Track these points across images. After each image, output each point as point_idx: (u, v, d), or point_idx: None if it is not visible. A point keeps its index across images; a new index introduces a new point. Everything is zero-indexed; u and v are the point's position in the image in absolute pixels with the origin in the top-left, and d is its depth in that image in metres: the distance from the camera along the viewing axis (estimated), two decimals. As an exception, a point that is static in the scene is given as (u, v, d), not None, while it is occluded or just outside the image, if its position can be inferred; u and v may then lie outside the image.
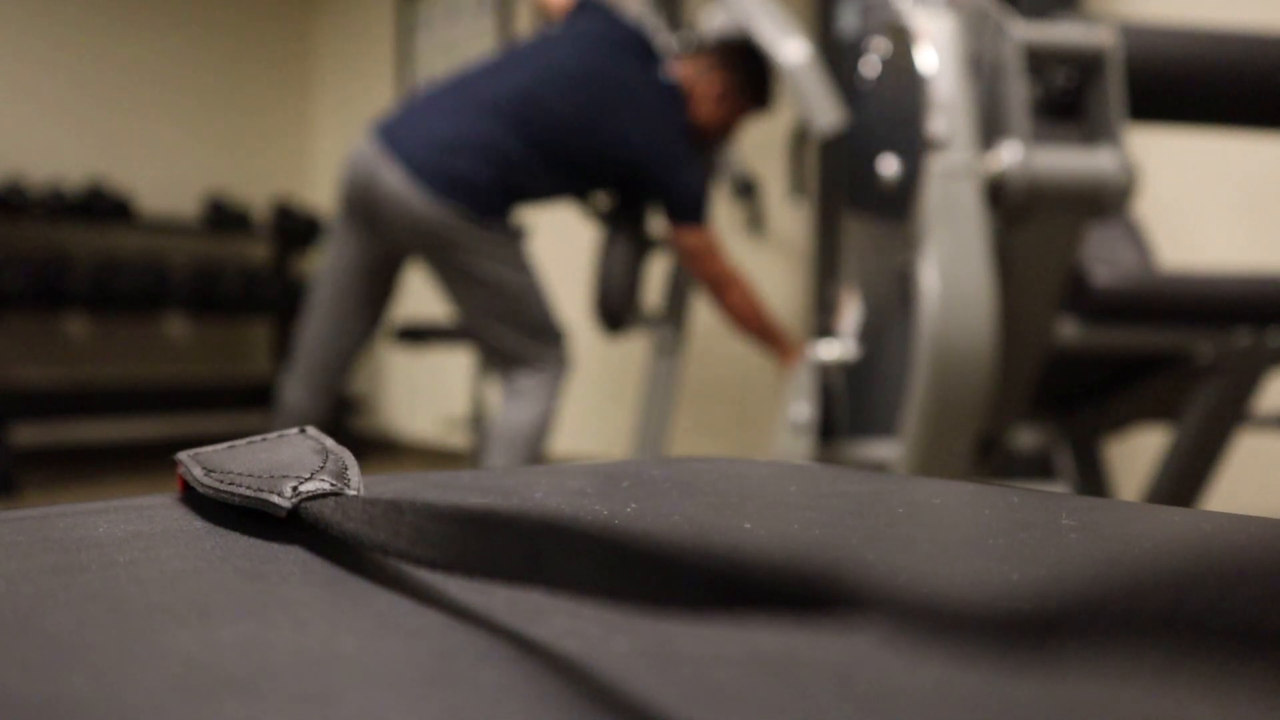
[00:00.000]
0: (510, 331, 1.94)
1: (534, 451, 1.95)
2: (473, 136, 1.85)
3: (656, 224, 2.18)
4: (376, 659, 0.20)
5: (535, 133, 1.89)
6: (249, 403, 4.21)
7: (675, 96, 1.99)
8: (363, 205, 1.88)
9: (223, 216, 4.11)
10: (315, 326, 1.99)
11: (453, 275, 1.90)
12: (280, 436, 0.37)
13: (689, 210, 1.97)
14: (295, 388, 2.00)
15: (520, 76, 1.91)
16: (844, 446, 1.51)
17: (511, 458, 1.94)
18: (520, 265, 1.93)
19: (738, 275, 2.02)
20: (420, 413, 4.21)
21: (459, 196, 1.82)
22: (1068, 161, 1.18)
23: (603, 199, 2.23)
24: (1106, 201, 1.18)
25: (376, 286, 1.98)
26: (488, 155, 1.85)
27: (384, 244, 1.92)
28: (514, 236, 1.92)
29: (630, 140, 1.94)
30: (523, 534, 0.19)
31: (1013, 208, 1.18)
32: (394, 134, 1.86)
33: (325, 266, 1.99)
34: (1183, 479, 1.37)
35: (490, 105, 1.88)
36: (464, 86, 1.92)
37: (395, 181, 1.82)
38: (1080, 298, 1.31)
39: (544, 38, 2.00)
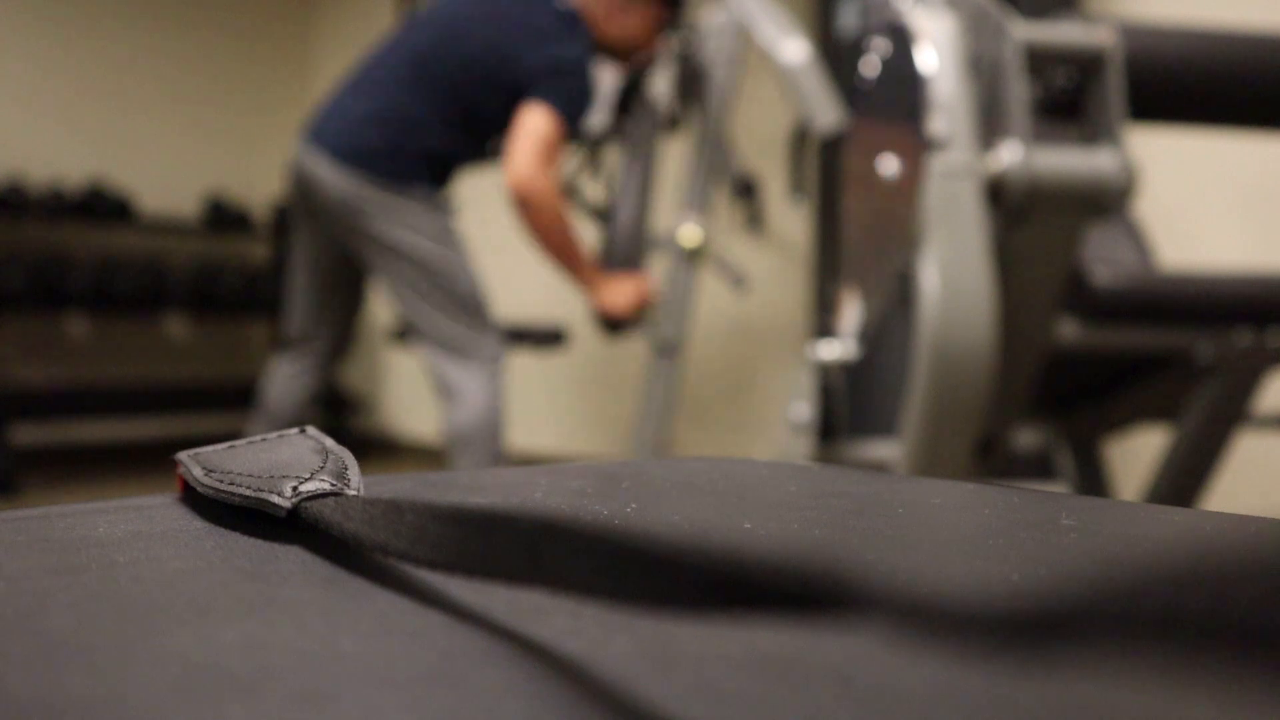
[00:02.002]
0: (438, 314, 1.91)
1: (491, 449, 1.91)
2: (383, 110, 1.89)
3: (657, 221, 2.18)
4: (376, 659, 0.20)
5: (439, 89, 1.90)
6: (249, 403, 4.20)
7: (574, 20, 1.94)
8: (303, 203, 1.96)
9: (223, 216, 4.10)
10: (292, 321, 2.06)
11: (373, 251, 1.90)
12: (280, 436, 0.37)
13: (542, 82, 1.86)
14: (277, 380, 2.04)
15: (419, 39, 1.94)
16: (844, 446, 1.51)
17: (471, 462, 1.91)
18: (441, 238, 1.91)
19: (559, 198, 1.90)
20: (420, 413, 4.21)
21: (366, 164, 1.86)
22: (1068, 161, 1.18)
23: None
24: (1106, 201, 1.18)
25: (338, 285, 2.02)
26: (395, 123, 1.88)
27: (327, 237, 1.97)
28: (434, 207, 1.92)
29: (527, 65, 1.89)
30: (523, 534, 0.19)
31: (1013, 208, 1.18)
32: (318, 128, 1.92)
33: (292, 268, 2.06)
34: (1183, 479, 1.37)
35: (395, 75, 1.91)
36: (372, 65, 1.96)
37: (319, 169, 1.88)
38: (1080, 298, 1.31)
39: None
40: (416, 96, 1.89)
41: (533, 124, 1.84)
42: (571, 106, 1.88)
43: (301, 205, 1.97)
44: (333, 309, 2.04)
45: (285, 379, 2.03)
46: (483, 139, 2.00)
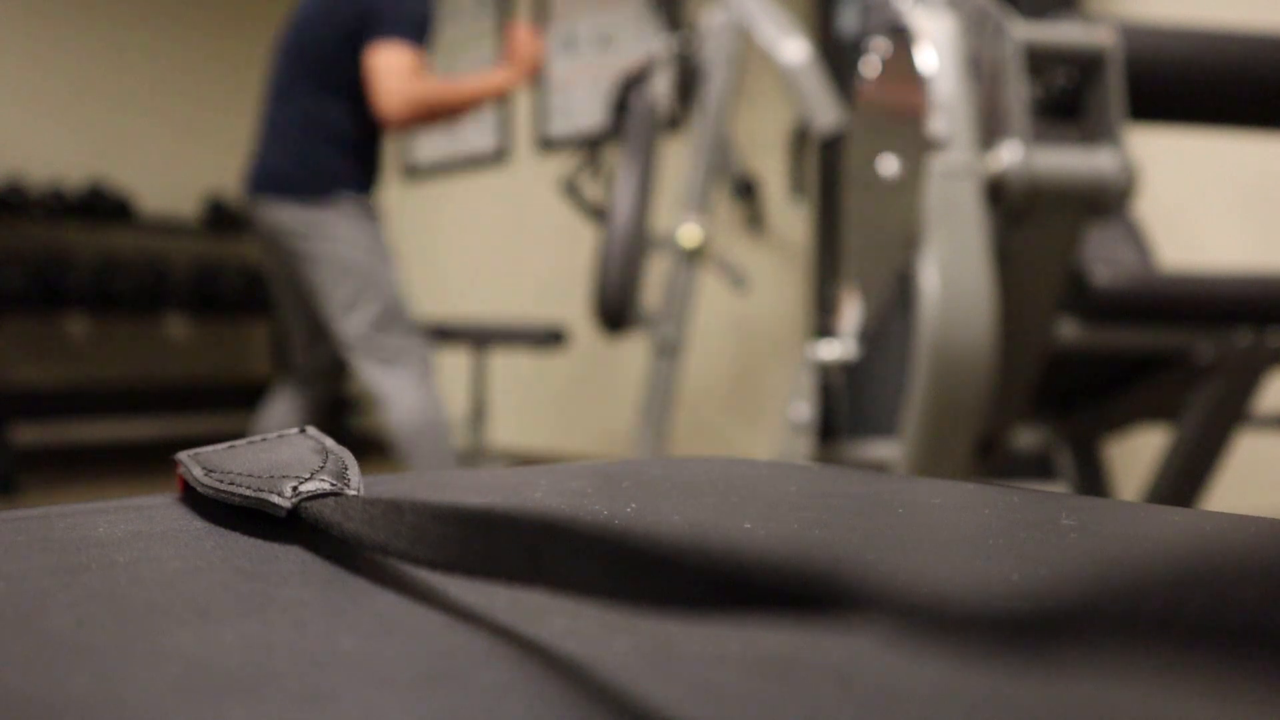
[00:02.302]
0: (367, 325, 1.95)
1: (438, 449, 1.96)
2: (282, 130, 1.96)
3: (658, 221, 2.18)
4: (376, 659, 0.20)
5: (319, 80, 1.95)
6: (249, 403, 4.21)
7: None
8: (261, 245, 2.06)
9: (223, 216, 4.10)
10: (293, 353, 2.16)
11: (306, 269, 1.95)
12: (280, 436, 0.37)
13: (383, 14, 1.89)
14: (278, 405, 2.11)
15: (283, 53, 2.01)
16: (844, 446, 1.51)
17: (422, 465, 1.96)
18: (368, 248, 1.96)
19: (426, 91, 1.92)
20: (420, 413, 4.21)
21: (285, 188, 1.93)
22: (1068, 161, 1.17)
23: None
24: (1106, 201, 1.18)
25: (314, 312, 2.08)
26: (296, 135, 1.95)
27: (289, 271, 2.04)
28: (359, 215, 1.96)
29: (364, 3, 1.93)
30: (523, 534, 0.19)
31: (1013, 208, 1.18)
32: (248, 175, 2.02)
33: (277, 308, 2.19)
34: (1183, 479, 1.37)
35: (279, 94, 1.99)
36: (265, 102, 2.05)
37: (257, 210, 1.98)
38: (1080, 298, 1.31)
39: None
40: (304, 100, 1.95)
41: (387, 61, 1.88)
42: (417, 29, 1.92)
43: (262, 249, 2.08)
44: (322, 336, 2.09)
45: (285, 405, 2.09)
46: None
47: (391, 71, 1.86)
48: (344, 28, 1.92)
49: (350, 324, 1.94)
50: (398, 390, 1.94)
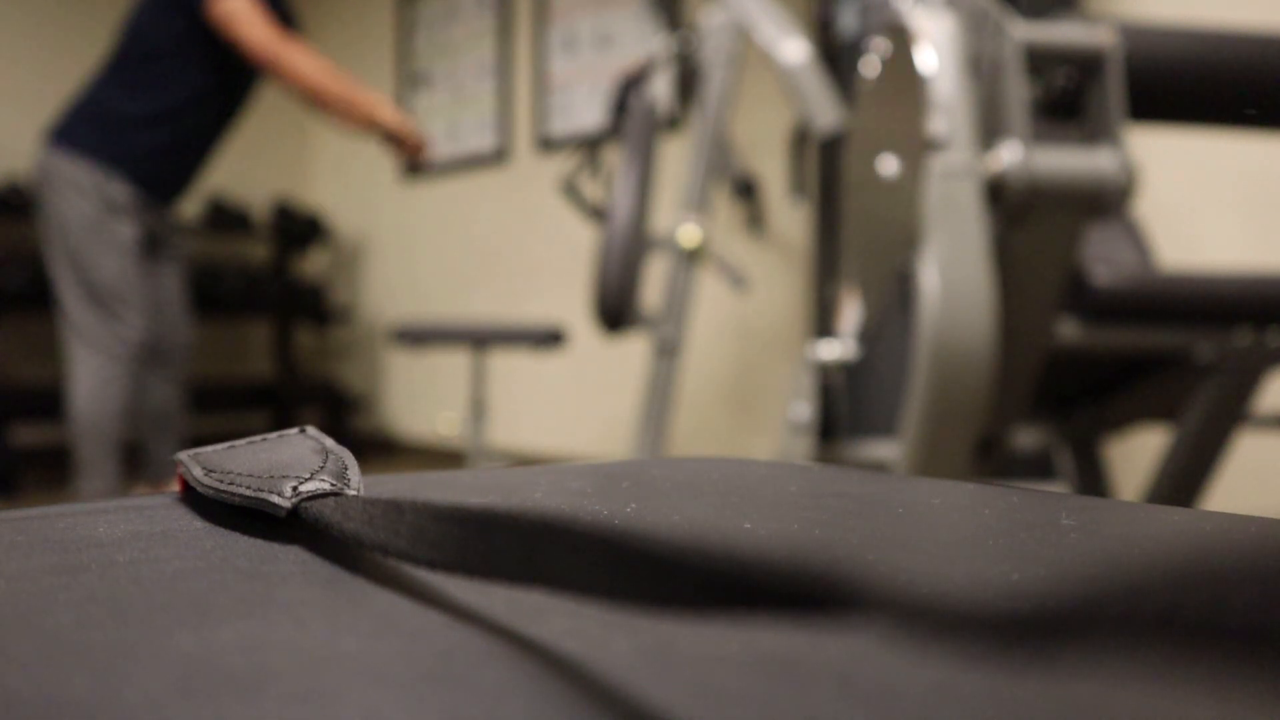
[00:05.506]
0: (68, 294, 2.12)
1: (94, 437, 2.05)
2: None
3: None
4: (376, 659, 0.20)
5: (131, 73, 2.14)
6: (249, 403, 4.20)
7: None
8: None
9: (223, 216, 4.10)
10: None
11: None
12: (280, 436, 0.37)
13: None
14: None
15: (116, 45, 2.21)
16: (844, 446, 1.51)
17: (82, 446, 2.07)
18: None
19: (292, 42, 2.03)
20: (420, 413, 4.21)
21: None
22: (1068, 161, 1.17)
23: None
24: (1106, 201, 1.18)
25: None
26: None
27: None
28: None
29: None
30: (523, 534, 0.19)
31: (1013, 208, 1.18)
32: None
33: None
34: (1183, 479, 1.37)
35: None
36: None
37: None
38: (1080, 298, 1.30)
39: None
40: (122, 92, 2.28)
41: (234, 8, 2.00)
42: None
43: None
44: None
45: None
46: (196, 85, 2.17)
47: (247, 18, 2.02)
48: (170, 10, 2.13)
49: (65, 294, 2.22)
50: (77, 370, 2.11)
